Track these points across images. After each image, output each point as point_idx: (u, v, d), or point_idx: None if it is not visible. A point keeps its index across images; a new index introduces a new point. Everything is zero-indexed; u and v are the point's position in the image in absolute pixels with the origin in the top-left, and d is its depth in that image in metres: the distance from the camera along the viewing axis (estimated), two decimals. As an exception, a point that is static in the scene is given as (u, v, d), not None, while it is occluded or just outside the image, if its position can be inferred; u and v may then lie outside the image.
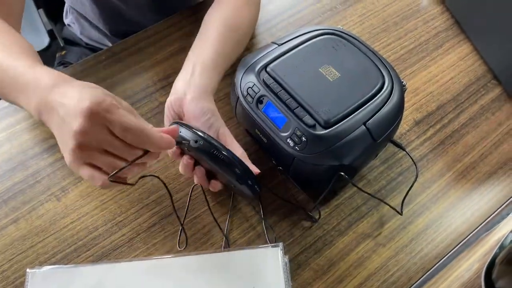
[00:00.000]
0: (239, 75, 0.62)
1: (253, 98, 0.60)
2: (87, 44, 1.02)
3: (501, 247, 0.61)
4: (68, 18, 1.02)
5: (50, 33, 1.08)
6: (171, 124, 0.58)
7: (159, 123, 0.70)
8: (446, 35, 0.82)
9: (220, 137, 0.59)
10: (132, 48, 0.78)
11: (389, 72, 0.61)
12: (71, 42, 1.04)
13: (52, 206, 0.63)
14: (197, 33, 0.69)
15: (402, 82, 0.63)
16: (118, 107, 0.44)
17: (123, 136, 0.44)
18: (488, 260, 0.60)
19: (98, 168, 0.46)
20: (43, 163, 0.66)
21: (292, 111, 0.57)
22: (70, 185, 0.65)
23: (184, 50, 0.77)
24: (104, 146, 0.45)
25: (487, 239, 0.62)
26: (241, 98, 0.61)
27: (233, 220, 0.63)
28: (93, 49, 1.01)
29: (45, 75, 0.49)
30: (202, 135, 0.54)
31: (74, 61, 1.03)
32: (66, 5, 0.98)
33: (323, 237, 0.62)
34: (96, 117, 0.43)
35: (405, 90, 0.63)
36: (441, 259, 0.61)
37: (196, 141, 0.53)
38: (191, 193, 0.64)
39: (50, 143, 0.68)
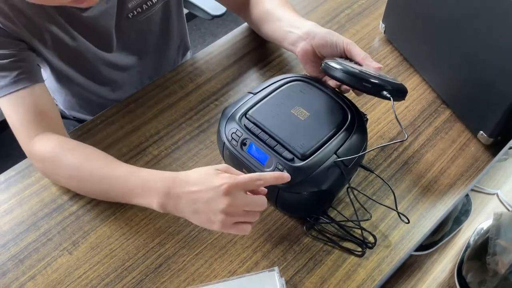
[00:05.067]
0: (222, 123, 0.71)
1: (237, 142, 0.68)
2: (74, 117, 1.10)
3: (468, 247, 0.70)
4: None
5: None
6: (325, 63, 0.69)
7: (155, 174, 0.78)
8: (398, 70, 0.94)
9: (345, 46, 0.71)
10: (123, 110, 0.87)
11: (350, 107, 0.71)
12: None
13: (65, 260, 0.69)
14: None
15: (364, 114, 0.73)
16: (236, 175, 0.60)
17: (256, 185, 0.60)
18: (458, 260, 0.68)
19: (242, 222, 0.61)
20: (53, 222, 0.73)
21: (272, 148, 0.66)
22: (80, 238, 0.71)
23: (170, 107, 0.87)
24: (243, 207, 0.59)
25: (455, 242, 0.70)
26: (227, 143, 0.69)
27: (231, 253, 0.70)
28: (80, 121, 1.08)
29: (152, 177, 0.64)
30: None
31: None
32: None
33: (313, 258, 0.70)
34: (233, 189, 0.58)
35: (367, 120, 0.73)
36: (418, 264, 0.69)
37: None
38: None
39: (57, 203, 0.75)
